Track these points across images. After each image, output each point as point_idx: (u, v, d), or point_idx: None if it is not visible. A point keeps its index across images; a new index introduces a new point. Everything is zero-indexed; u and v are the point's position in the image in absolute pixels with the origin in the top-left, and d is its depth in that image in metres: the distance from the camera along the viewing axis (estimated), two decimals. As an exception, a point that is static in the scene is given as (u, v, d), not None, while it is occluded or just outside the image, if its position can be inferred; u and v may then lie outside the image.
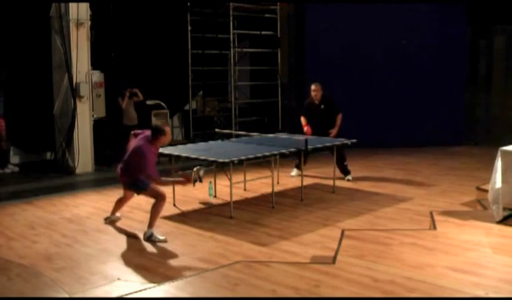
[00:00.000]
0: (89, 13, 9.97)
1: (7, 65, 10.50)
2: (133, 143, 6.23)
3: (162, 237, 6.04)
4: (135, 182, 6.12)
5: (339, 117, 8.89)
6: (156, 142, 6.06)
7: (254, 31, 13.07)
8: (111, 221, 6.74)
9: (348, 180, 8.94)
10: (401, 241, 5.82)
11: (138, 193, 6.33)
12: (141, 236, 6.14)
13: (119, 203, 6.75)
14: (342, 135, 8.71)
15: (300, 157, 8.88)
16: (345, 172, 9.06)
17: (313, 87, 9.01)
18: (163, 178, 6.21)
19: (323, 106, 8.98)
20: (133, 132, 6.60)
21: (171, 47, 12.12)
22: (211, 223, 6.61)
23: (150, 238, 6.01)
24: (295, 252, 5.49)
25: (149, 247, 5.79)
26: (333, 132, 8.85)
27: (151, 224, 6.09)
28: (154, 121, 11.44)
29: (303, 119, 9.08)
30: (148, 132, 6.16)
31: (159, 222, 6.70)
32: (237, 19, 12.61)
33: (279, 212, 7.09)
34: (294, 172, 9.33)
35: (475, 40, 13.38)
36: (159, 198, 6.12)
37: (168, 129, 6.14)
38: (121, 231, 6.38)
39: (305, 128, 8.98)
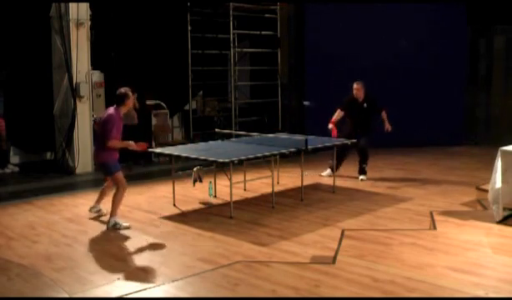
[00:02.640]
0: (89, 13, 9.97)
1: (7, 65, 10.50)
2: (103, 116, 6.65)
3: (126, 224, 6.42)
4: (104, 164, 6.54)
5: (385, 113, 9.00)
6: (123, 107, 6.53)
7: (254, 31, 13.07)
8: (96, 212, 6.99)
9: (362, 180, 8.96)
10: (401, 241, 5.82)
11: (105, 175, 6.76)
12: (141, 236, 6.15)
13: (103, 192, 7.01)
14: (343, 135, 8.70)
15: (336, 160, 8.93)
16: (361, 171, 9.08)
17: (354, 85, 9.00)
18: (115, 141, 6.40)
19: (365, 104, 8.99)
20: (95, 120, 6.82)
21: (171, 47, 12.11)
22: (211, 223, 6.61)
23: (115, 226, 6.36)
24: (295, 252, 5.49)
25: (149, 247, 5.79)
26: (387, 126, 8.94)
27: (113, 213, 6.44)
28: (154, 121, 11.46)
29: (336, 113, 9.04)
30: (110, 109, 6.59)
31: (159, 221, 6.73)
32: (237, 19, 12.61)
33: (279, 212, 7.09)
34: (326, 172, 9.33)
35: (475, 40, 13.38)
36: (120, 188, 6.47)
37: (130, 92, 6.59)
38: (121, 231, 6.37)
39: (331, 125, 8.89)
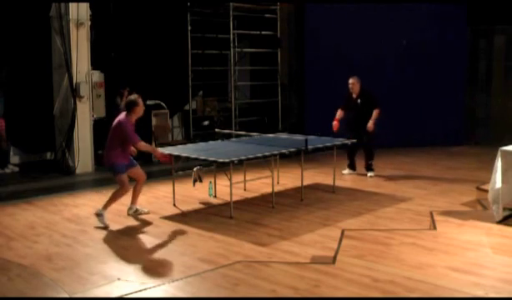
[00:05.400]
0: (89, 13, 9.96)
1: (7, 65, 10.49)
2: (113, 123, 6.73)
3: (106, 223, 6.50)
4: (112, 165, 6.65)
5: (376, 112, 8.92)
6: (132, 114, 6.64)
7: (254, 31, 13.06)
8: (134, 212, 6.98)
9: (371, 176, 9.09)
10: (401, 241, 5.82)
11: (114, 176, 6.76)
12: (141, 236, 6.16)
13: (135, 190, 6.97)
14: (342, 135, 8.70)
15: (348, 158, 8.99)
16: (367, 168, 9.21)
17: (350, 80, 9.09)
18: (143, 144, 6.68)
19: (359, 100, 9.03)
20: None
21: (171, 47, 12.11)
22: (211, 223, 6.61)
23: (98, 216, 6.50)
24: (295, 252, 5.50)
25: (149, 247, 5.80)
26: (369, 124, 8.86)
27: (105, 206, 6.60)
28: (154, 121, 11.46)
29: (338, 112, 9.09)
30: (120, 116, 6.68)
31: (159, 222, 6.73)
32: (237, 19, 12.60)
33: (279, 212, 7.09)
34: (346, 171, 9.39)
35: (475, 40, 13.38)
36: (122, 189, 6.63)
37: (140, 100, 6.71)
38: (121, 231, 6.38)
39: (334, 122, 8.97)
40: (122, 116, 6.65)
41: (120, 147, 6.58)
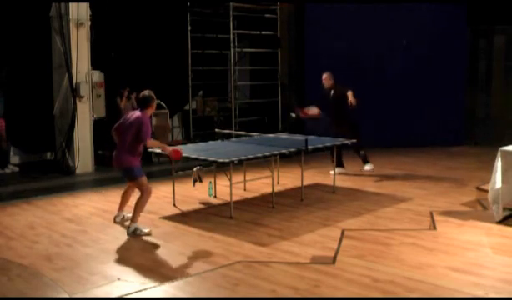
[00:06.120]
0: (89, 13, 9.97)
1: (7, 65, 10.49)
2: (127, 121, 6.31)
3: (146, 230, 6.19)
4: (128, 169, 6.25)
5: (350, 92, 8.81)
6: (149, 110, 6.33)
7: (254, 31, 13.07)
8: (121, 220, 6.67)
9: (366, 170, 9.27)
10: (401, 241, 5.82)
11: (129, 180, 6.44)
12: (142, 236, 6.15)
13: (125, 196, 6.71)
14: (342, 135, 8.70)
15: (337, 156, 8.99)
16: (363, 161, 9.39)
17: (323, 75, 9.30)
18: (152, 140, 6.39)
19: (332, 91, 9.19)
20: (113, 127, 6.52)
21: (171, 47, 12.12)
22: (211, 223, 6.61)
23: (135, 233, 6.14)
24: (295, 252, 5.50)
25: (149, 247, 5.79)
26: (351, 99, 8.73)
27: (134, 218, 6.21)
28: (154, 121, 11.46)
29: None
30: (136, 113, 6.30)
31: (159, 222, 6.73)
32: (237, 19, 12.61)
33: (279, 212, 7.09)
34: (336, 170, 9.33)
35: (475, 40, 13.38)
36: (145, 193, 6.25)
37: (153, 95, 6.39)
38: (121, 231, 6.37)
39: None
40: (137, 113, 6.28)
41: (131, 147, 6.18)
